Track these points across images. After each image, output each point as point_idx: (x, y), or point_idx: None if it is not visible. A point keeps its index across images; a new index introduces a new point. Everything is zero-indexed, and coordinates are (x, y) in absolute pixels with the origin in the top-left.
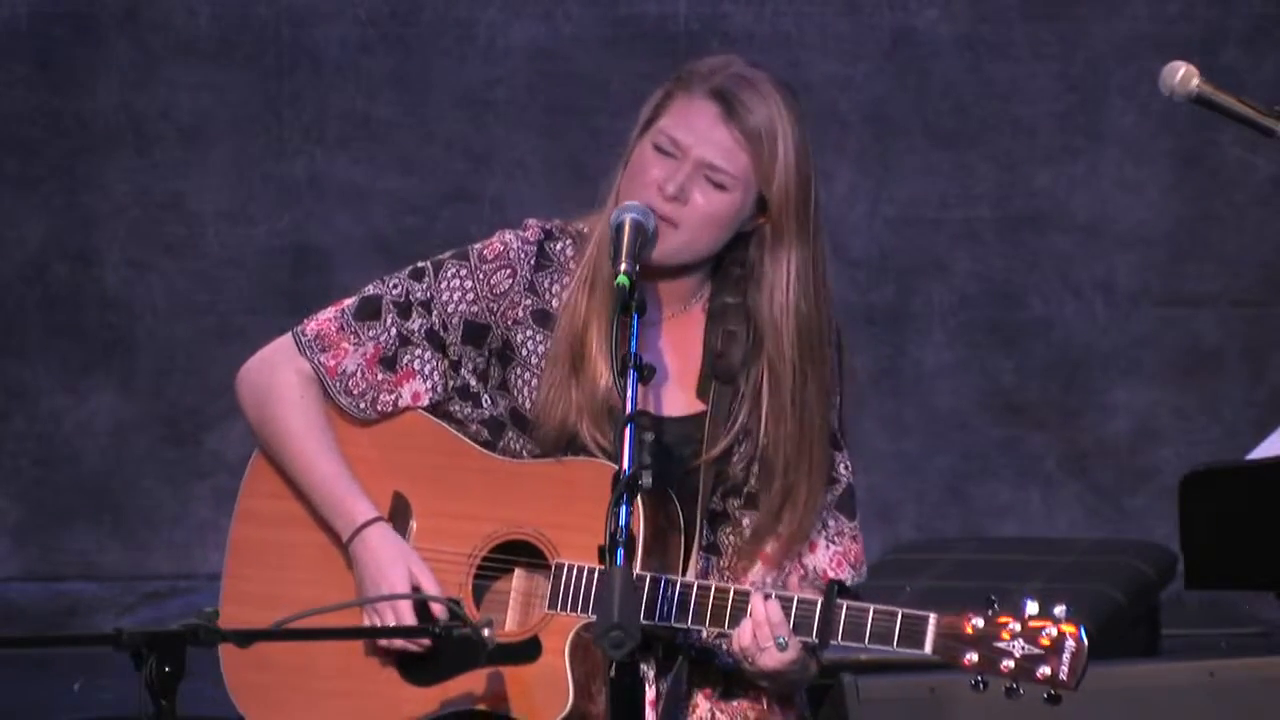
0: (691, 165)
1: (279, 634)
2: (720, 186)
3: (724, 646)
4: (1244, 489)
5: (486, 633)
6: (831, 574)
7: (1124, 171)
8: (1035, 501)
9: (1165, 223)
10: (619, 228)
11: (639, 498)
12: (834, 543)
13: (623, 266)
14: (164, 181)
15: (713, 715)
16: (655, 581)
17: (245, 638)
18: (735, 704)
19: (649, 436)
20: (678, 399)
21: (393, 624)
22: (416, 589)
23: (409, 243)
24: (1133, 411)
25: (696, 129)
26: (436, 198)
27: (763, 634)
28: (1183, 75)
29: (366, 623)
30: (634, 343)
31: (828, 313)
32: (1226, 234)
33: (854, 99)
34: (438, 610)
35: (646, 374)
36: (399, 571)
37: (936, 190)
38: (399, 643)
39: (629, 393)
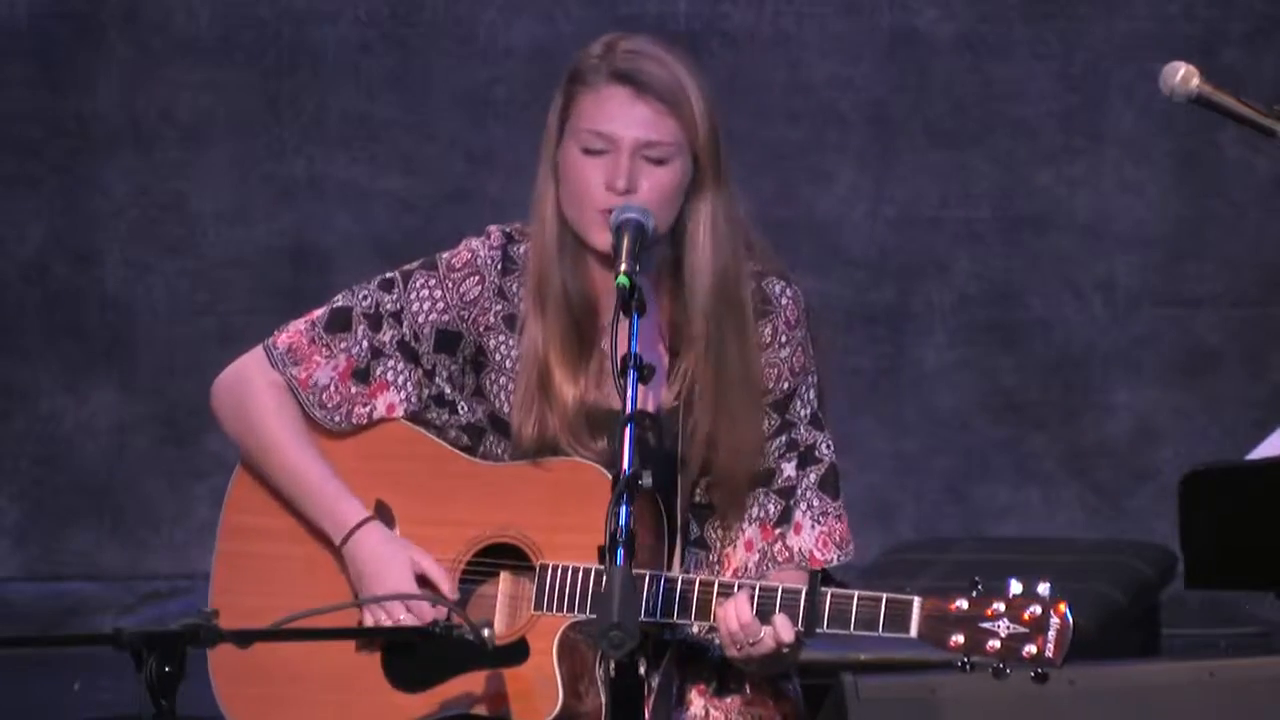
0: (628, 153)
1: (279, 634)
2: (661, 161)
3: (714, 640)
4: (1244, 489)
5: (486, 633)
6: (818, 554)
7: (1124, 171)
8: (1035, 501)
9: (1165, 223)
10: (619, 229)
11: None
12: (819, 523)
13: (623, 267)
14: (164, 181)
15: (706, 713)
16: (642, 578)
17: (245, 638)
18: (729, 700)
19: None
20: (660, 394)
21: (388, 624)
22: (423, 579)
23: (409, 243)
24: (1133, 411)
25: (618, 116)
26: (436, 198)
27: (739, 639)
28: (1183, 75)
29: (369, 621)
30: (634, 343)
31: (739, 257)
32: (1226, 234)
33: (854, 99)
34: (438, 611)
35: (646, 374)
36: (400, 565)
37: (936, 190)
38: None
39: (629, 393)
